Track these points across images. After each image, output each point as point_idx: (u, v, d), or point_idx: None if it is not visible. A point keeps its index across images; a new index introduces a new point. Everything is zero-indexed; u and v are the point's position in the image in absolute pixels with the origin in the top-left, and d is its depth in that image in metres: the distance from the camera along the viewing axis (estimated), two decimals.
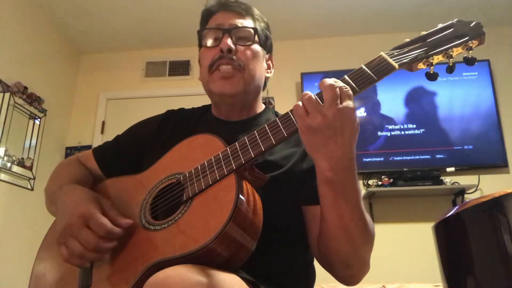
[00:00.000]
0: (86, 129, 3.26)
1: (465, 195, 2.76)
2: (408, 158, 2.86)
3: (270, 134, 0.71)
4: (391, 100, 3.02)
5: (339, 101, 0.62)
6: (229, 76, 0.90)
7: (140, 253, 0.69)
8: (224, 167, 0.72)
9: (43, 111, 2.85)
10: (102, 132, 3.23)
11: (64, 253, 0.71)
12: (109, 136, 1.09)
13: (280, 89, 3.06)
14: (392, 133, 2.95)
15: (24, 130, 2.70)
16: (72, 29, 3.16)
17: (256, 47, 0.95)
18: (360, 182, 2.87)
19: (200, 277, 0.55)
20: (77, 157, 1.04)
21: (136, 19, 3.06)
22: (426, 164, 2.82)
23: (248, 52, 0.93)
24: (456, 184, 2.73)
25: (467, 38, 0.71)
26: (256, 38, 0.95)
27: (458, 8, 2.90)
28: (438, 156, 2.84)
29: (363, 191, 2.79)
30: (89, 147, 3.12)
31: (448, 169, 2.77)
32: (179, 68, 3.38)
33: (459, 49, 0.72)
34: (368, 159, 2.91)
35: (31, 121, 2.76)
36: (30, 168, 2.67)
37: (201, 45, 0.98)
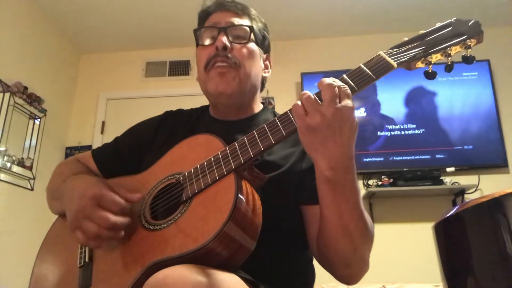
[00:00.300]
0: (86, 129, 3.26)
1: (465, 195, 2.76)
2: (408, 158, 2.86)
3: (269, 133, 0.71)
4: (391, 100, 3.02)
5: (338, 101, 0.62)
6: (224, 72, 0.90)
7: (140, 253, 0.69)
8: (223, 166, 0.72)
9: (43, 111, 2.85)
10: (102, 132, 3.23)
11: (80, 237, 0.71)
12: (109, 136, 1.10)
13: (280, 89, 3.06)
14: (392, 133, 2.95)
15: (24, 130, 2.70)
16: (72, 29, 3.16)
17: (252, 45, 0.95)
18: (360, 182, 2.87)
19: (199, 277, 0.55)
20: (76, 158, 1.04)
21: (136, 19, 3.06)
22: (426, 164, 2.82)
23: (244, 50, 0.93)
24: (456, 184, 2.73)
25: (466, 36, 0.71)
26: (252, 36, 0.95)
27: (458, 8, 2.90)
28: (438, 156, 2.84)
29: (363, 191, 2.79)
30: (89, 147, 3.12)
31: (448, 169, 2.77)
32: (179, 68, 3.38)
33: (458, 48, 0.72)
34: (368, 159, 2.91)
35: (31, 121, 2.76)
36: (30, 168, 2.67)
37: (198, 44, 0.99)
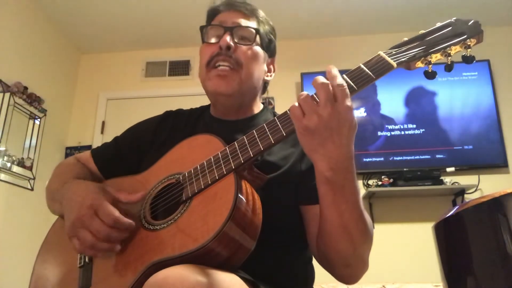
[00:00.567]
0: (86, 129, 3.26)
1: (465, 195, 2.75)
2: (408, 158, 2.86)
3: (269, 133, 0.71)
4: (391, 100, 3.01)
5: (334, 100, 0.62)
6: (225, 75, 0.89)
7: (140, 252, 0.70)
8: (223, 166, 0.72)
9: (43, 111, 2.85)
10: (102, 132, 3.23)
11: (77, 245, 0.72)
12: (109, 136, 1.10)
13: (280, 89, 3.06)
14: (392, 133, 2.95)
15: (24, 130, 2.70)
16: (72, 29, 3.16)
17: (257, 48, 0.95)
18: (360, 182, 2.87)
19: (199, 277, 0.55)
20: (76, 158, 1.04)
21: (136, 19, 3.06)
22: (426, 164, 2.82)
23: (248, 52, 0.92)
24: (456, 184, 2.73)
25: (465, 36, 0.71)
26: (258, 39, 0.95)
27: (458, 8, 2.90)
28: (438, 156, 2.84)
29: (363, 191, 2.79)
30: (89, 147, 3.12)
31: (448, 169, 2.77)
32: (179, 68, 3.38)
33: (458, 47, 0.72)
34: (368, 159, 2.90)
35: (31, 121, 2.76)
36: (30, 168, 2.67)
37: (203, 41, 0.99)
